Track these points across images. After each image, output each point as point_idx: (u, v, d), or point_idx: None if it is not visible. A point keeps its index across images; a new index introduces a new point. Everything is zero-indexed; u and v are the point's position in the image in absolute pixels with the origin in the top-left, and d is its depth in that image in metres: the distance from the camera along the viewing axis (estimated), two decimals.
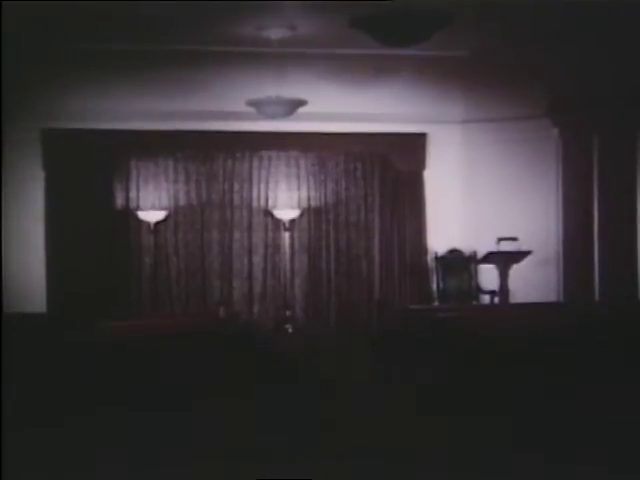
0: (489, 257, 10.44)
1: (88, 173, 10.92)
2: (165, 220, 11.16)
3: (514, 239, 10.33)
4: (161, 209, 11.12)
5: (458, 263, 11.34)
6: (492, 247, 10.39)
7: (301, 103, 9.33)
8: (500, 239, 10.38)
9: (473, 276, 11.38)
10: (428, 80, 10.67)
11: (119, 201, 11.13)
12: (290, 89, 9.27)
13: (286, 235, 11.34)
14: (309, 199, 11.49)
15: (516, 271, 10.33)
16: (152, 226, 11.05)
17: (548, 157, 10.93)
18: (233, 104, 10.01)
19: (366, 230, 11.57)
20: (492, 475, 4.69)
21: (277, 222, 11.34)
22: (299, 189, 11.49)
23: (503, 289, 10.37)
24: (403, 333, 8.13)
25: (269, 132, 10.89)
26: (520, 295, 10.28)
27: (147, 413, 5.59)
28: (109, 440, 5.16)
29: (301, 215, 11.36)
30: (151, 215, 11.03)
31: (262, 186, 11.45)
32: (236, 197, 11.40)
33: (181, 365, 6.38)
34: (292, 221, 11.29)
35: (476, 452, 4.95)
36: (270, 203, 11.41)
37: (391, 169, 11.50)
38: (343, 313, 11.51)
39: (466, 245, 11.29)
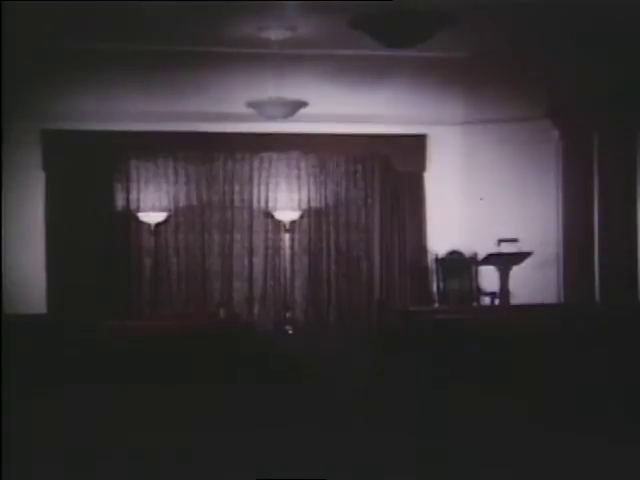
0: (489, 258, 10.44)
1: (88, 174, 10.92)
2: (165, 221, 11.16)
3: (514, 240, 10.32)
4: (161, 210, 11.12)
5: (458, 265, 11.33)
6: (492, 249, 10.39)
7: (301, 104, 9.33)
8: (500, 240, 10.38)
9: (473, 278, 11.37)
10: (428, 81, 10.67)
11: (119, 202, 11.14)
12: (290, 90, 9.28)
13: (286, 236, 11.34)
14: (309, 200, 11.49)
15: (516, 272, 10.32)
16: (152, 227, 11.05)
17: (548, 158, 10.93)
18: (233, 105, 10.01)
19: (366, 231, 11.58)
20: (492, 474, 4.69)
21: (277, 223, 11.35)
22: (299, 190, 11.49)
23: (503, 290, 10.36)
24: (403, 334, 8.12)
25: (269, 133, 10.89)
26: (521, 296, 10.27)
27: (147, 413, 5.59)
28: (109, 440, 5.16)
29: (301, 216, 11.36)
30: (151, 216, 11.03)
31: (262, 187, 11.45)
32: (236, 198, 11.40)
33: (181, 366, 6.38)
34: (292, 222, 11.29)
35: (476, 452, 4.95)
36: (270, 204, 11.41)
37: (391, 170, 11.50)
38: (343, 314, 11.51)
39: (466, 246, 11.28)
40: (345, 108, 10.75)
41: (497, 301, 10.62)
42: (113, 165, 11.12)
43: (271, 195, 11.46)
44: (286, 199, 11.42)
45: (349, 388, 6.95)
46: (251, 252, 11.45)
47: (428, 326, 7.78)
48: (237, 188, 11.41)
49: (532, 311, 8.77)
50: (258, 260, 11.47)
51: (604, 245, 10.26)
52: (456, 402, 6.07)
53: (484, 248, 10.58)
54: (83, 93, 10.18)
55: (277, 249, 11.46)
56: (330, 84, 10.40)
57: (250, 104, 9.32)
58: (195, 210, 11.33)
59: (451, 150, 11.34)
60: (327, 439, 5.24)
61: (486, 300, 11.11)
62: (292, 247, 11.45)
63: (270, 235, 11.46)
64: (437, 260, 11.36)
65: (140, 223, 11.10)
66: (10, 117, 10.06)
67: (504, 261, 10.35)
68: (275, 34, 8.94)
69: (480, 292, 11.30)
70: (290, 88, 9.33)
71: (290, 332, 11.12)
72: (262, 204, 11.44)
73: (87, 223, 10.88)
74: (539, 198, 11.03)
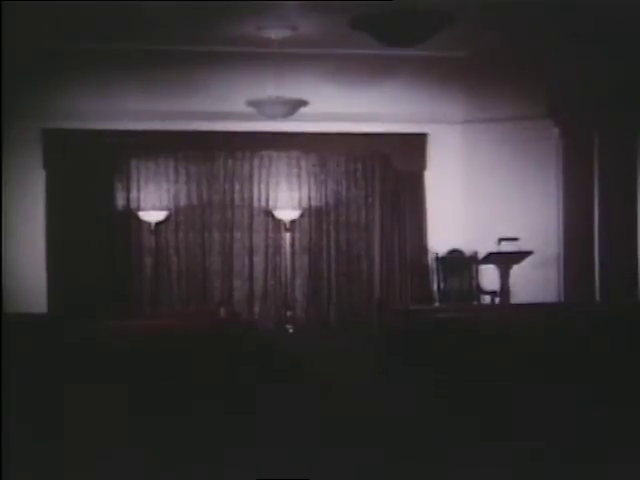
0: (490, 257, 10.44)
1: (89, 173, 10.94)
2: (166, 220, 11.17)
3: (515, 239, 10.33)
4: (162, 209, 11.13)
5: (459, 263, 11.33)
6: (493, 247, 10.39)
7: (302, 103, 9.33)
8: (501, 239, 10.39)
9: (474, 276, 11.37)
10: (429, 80, 10.67)
11: (120, 201, 11.15)
12: (291, 89, 9.27)
13: (287, 235, 11.34)
14: (310, 199, 11.50)
15: (517, 271, 10.33)
16: (153, 226, 11.05)
17: (548, 157, 10.93)
18: (234, 104, 10.01)
19: (367, 230, 11.58)
20: (491, 474, 4.69)
21: (278, 222, 11.35)
22: (300, 189, 11.49)
23: (504, 289, 10.37)
24: (404, 333, 8.12)
25: (270, 132, 10.89)
26: (521, 295, 10.28)
27: (147, 413, 5.59)
28: (109, 440, 5.16)
29: (302, 215, 11.37)
30: (152, 215, 11.04)
31: (263, 186, 11.46)
32: (237, 197, 11.41)
33: (182, 365, 6.37)
34: (293, 221, 11.29)
35: (476, 452, 4.95)
36: (271, 203, 11.42)
37: (392, 169, 11.50)
38: (344, 313, 11.52)
39: (467, 245, 11.28)
40: (345, 107, 10.76)
41: (497, 300, 10.63)
42: (113, 164, 11.12)
43: (271, 194, 11.46)
44: (286, 198, 11.42)
45: (350, 387, 6.95)
46: (251, 251, 11.45)
47: (428, 325, 7.77)
48: (237, 187, 11.41)
49: (532, 310, 8.76)
50: (258, 259, 11.48)
51: (604, 244, 10.27)
52: (456, 401, 6.07)
53: (484, 247, 10.59)
54: (83, 92, 10.18)
55: (277, 248, 11.47)
56: (330, 83, 10.40)
57: (250, 103, 9.31)
58: (195, 209, 11.34)
59: (451, 149, 11.34)
60: (327, 438, 5.25)
61: (486, 299, 11.12)
62: (292, 246, 11.46)
63: (270, 234, 11.47)
64: (437, 259, 11.36)
65: (140, 222, 11.11)
66: (10, 116, 10.08)
67: (504, 260, 10.35)
68: (275, 33, 8.93)
69: (480, 291, 11.30)
70: (290, 87, 9.32)
71: (291, 331, 11.13)
72: (262, 203, 11.45)
73: (87, 222, 10.89)
74: (539, 197, 11.03)
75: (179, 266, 11.34)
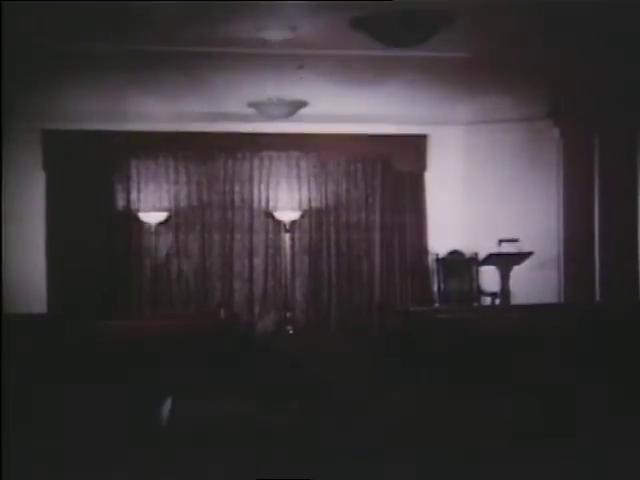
0: (490, 259, 10.44)
1: (89, 174, 10.94)
2: (166, 221, 11.16)
3: (515, 240, 10.33)
4: (162, 210, 11.13)
5: (459, 264, 11.35)
6: (493, 248, 10.39)
7: (302, 104, 9.33)
8: (501, 240, 10.38)
9: (474, 278, 11.37)
10: (429, 81, 10.64)
11: (120, 202, 11.15)
12: (291, 90, 9.26)
13: (287, 236, 11.34)
14: (310, 200, 11.50)
15: (517, 272, 10.32)
16: (153, 227, 11.05)
17: (549, 158, 10.93)
18: (234, 105, 10.01)
19: (367, 231, 11.59)
20: (492, 474, 4.69)
21: (278, 223, 11.35)
22: (300, 190, 11.50)
23: (504, 290, 10.36)
24: (404, 335, 8.12)
25: (270, 133, 10.90)
26: (521, 296, 10.27)
27: (146, 412, 5.59)
28: (109, 440, 5.16)
29: (302, 216, 11.37)
30: (152, 216, 11.04)
31: (263, 187, 11.47)
32: (237, 198, 11.42)
33: (182, 366, 6.38)
34: (293, 222, 11.29)
35: (476, 452, 4.95)
36: (271, 204, 11.43)
37: (392, 170, 11.51)
38: (344, 314, 11.52)
39: (467, 246, 11.29)
40: (345, 108, 10.75)
41: (498, 301, 10.63)
42: (113, 165, 11.13)
43: (271, 195, 11.48)
44: (286, 199, 11.44)
45: (349, 388, 6.95)
46: (251, 252, 11.46)
47: (428, 326, 7.77)
48: (237, 188, 11.43)
49: (533, 311, 8.76)
50: (258, 260, 11.49)
51: (605, 245, 10.26)
52: (456, 402, 6.07)
53: (485, 248, 10.58)
54: (83, 93, 10.17)
55: (277, 249, 11.47)
56: (330, 84, 10.38)
57: (251, 104, 9.31)
58: (195, 210, 11.34)
59: (452, 150, 11.36)
60: (327, 439, 5.24)
61: (487, 300, 11.12)
62: (292, 247, 11.46)
63: (270, 235, 11.48)
64: (438, 260, 11.37)
65: (141, 223, 11.10)
66: (10, 117, 10.08)
67: (505, 261, 10.35)
68: (276, 34, 8.91)
69: (481, 292, 11.30)
70: (290, 88, 9.32)
71: (291, 332, 11.13)
72: (262, 204, 11.46)
73: (87, 223, 10.90)
74: (540, 198, 11.04)
75: (179, 267, 11.34)
